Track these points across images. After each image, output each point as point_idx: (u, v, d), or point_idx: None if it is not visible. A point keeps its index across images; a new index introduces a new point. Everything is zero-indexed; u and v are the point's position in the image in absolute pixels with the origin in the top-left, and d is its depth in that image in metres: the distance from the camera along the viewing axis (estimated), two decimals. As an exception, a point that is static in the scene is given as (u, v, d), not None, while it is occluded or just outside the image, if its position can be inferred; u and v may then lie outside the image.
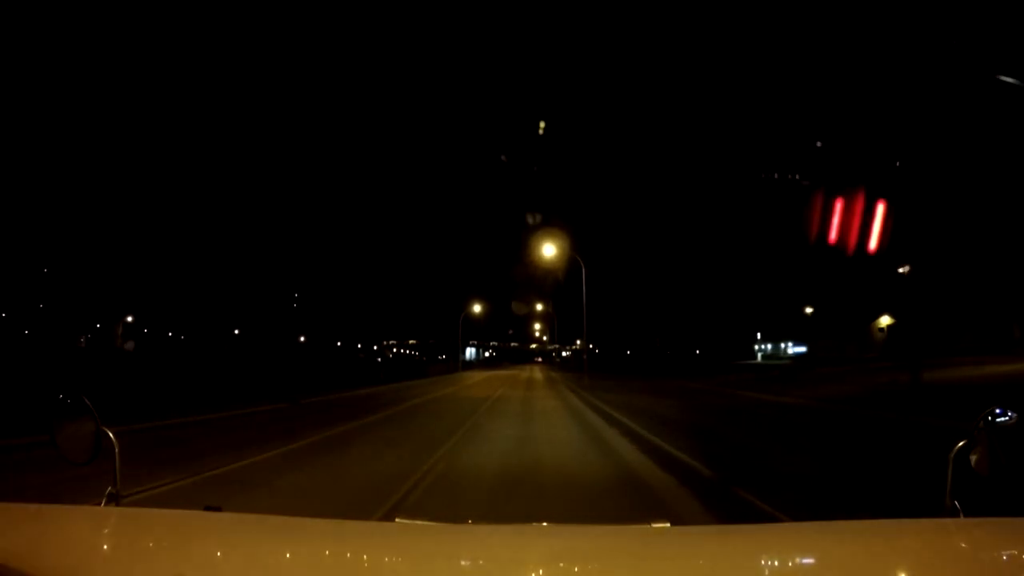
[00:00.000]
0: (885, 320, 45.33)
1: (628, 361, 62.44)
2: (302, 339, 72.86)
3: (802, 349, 50.77)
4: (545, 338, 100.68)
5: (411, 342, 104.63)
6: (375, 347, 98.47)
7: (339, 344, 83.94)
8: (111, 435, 1.50)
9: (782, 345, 66.08)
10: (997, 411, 1.39)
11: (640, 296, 65.56)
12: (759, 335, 69.76)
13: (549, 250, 28.81)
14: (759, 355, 68.40)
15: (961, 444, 1.42)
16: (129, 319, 50.96)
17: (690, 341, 70.33)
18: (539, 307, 57.13)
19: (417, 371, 46.47)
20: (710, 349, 69.61)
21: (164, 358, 37.13)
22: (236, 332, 63.30)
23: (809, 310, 46.81)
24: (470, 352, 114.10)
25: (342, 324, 78.78)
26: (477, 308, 57.81)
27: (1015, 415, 1.37)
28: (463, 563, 1.38)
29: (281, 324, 65.08)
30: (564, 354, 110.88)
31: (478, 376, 43.06)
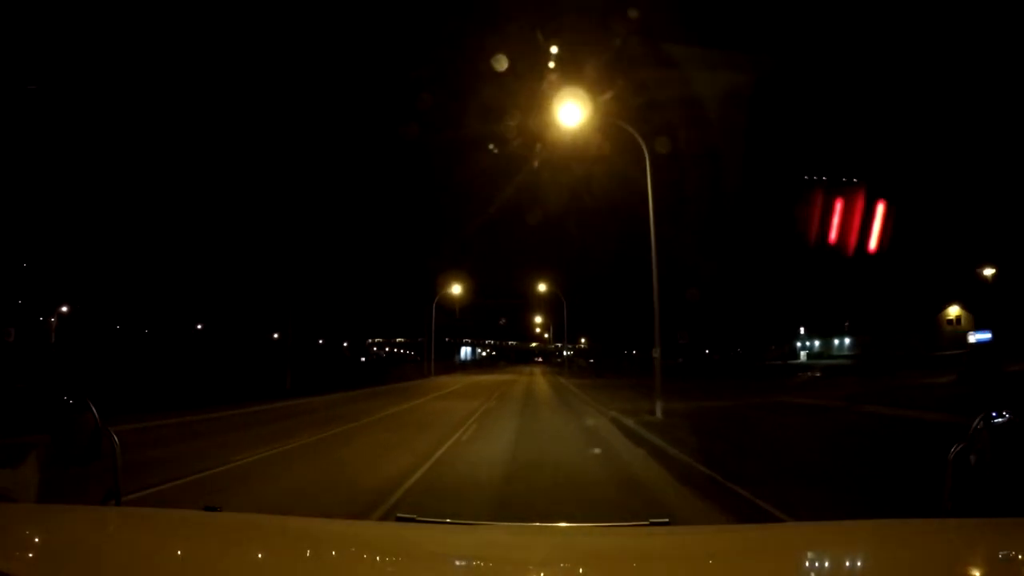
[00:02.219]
0: (954, 311, 41.05)
1: (639, 363, 56.43)
2: (276, 336, 67.89)
3: (986, 336, 35.21)
4: (547, 335, 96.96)
5: (399, 340, 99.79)
6: (367, 345, 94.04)
7: (320, 342, 79.36)
8: (112, 435, 1.58)
9: (835, 341, 58.47)
10: (994, 412, 1.46)
11: (650, 286, 59.91)
12: (802, 329, 62.44)
13: (571, 115, 13.05)
14: (802, 353, 61.40)
15: (960, 445, 1.47)
16: (64, 309, 45.69)
17: (715, 337, 64.77)
18: (542, 287, 50.16)
19: (376, 375, 36.96)
20: (739, 347, 63.95)
21: (100, 355, 31.88)
22: (199, 327, 58.19)
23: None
24: (465, 351, 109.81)
25: (326, 321, 74.44)
26: (457, 290, 49.42)
27: (1012, 415, 1.44)
28: (463, 563, 1.43)
29: (254, 320, 59.97)
30: (566, 353, 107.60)
31: (451, 386, 29.90)
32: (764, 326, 60.00)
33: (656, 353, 14.42)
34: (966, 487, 1.46)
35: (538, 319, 78.00)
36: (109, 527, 1.49)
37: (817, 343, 61.58)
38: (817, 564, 1.40)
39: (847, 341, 55.35)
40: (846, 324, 51.97)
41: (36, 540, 1.32)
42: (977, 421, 1.46)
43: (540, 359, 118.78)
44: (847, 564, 1.41)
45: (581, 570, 1.41)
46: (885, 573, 1.37)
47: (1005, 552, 1.30)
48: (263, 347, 58.68)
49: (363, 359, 76.74)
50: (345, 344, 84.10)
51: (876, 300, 42.04)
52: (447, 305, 55.21)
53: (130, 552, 1.34)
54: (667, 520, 1.63)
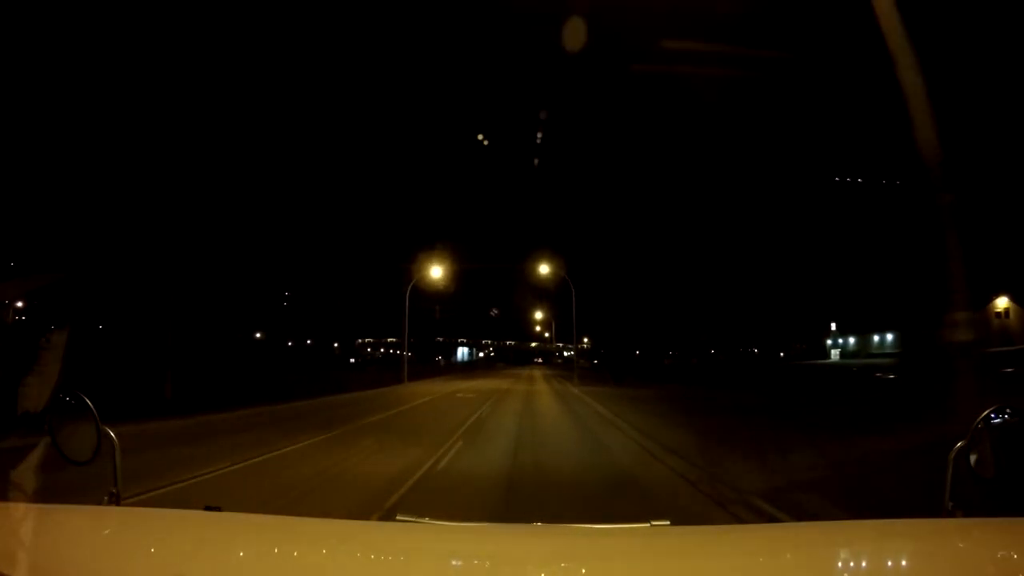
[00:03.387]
0: (1003, 303, 40.02)
1: (651, 364, 54.61)
2: (258, 335, 67.55)
3: None
4: (547, 334, 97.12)
5: (390, 340, 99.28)
6: (357, 346, 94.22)
7: (308, 342, 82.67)
8: (112, 435, 1.65)
9: (875, 338, 54.62)
10: (995, 411, 1.52)
11: (662, 282, 58.11)
12: (833, 326, 59.66)
13: None
14: (835, 352, 58.40)
15: (960, 445, 1.54)
16: (19, 304, 44.43)
17: (736, 337, 63.31)
18: (545, 268, 47.48)
19: (336, 381, 30.02)
20: (753, 346, 62.55)
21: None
22: (172, 326, 57.35)
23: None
24: (462, 352, 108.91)
25: (312, 321, 74.62)
26: (437, 273, 38.56)
27: (1013, 415, 1.50)
28: (463, 563, 1.49)
29: (231, 319, 59.06)
30: (566, 354, 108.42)
31: (414, 400, 22.22)
32: (786, 322, 58.23)
33: (962, 331, 7.45)
34: (966, 487, 1.51)
35: (538, 315, 76.40)
36: (109, 527, 1.55)
37: (852, 340, 58.24)
38: (819, 564, 1.45)
39: (889, 337, 51.93)
40: (892, 317, 47.58)
41: (36, 540, 1.36)
42: (978, 421, 1.51)
43: (540, 360, 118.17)
44: (848, 563, 1.45)
45: (584, 570, 1.46)
46: (886, 572, 1.44)
47: (1005, 552, 1.37)
48: (238, 348, 57.76)
49: (352, 360, 76.22)
50: (336, 345, 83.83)
51: (917, 292, 40.32)
52: (429, 294, 51.95)
53: (130, 552, 1.41)
54: (668, 521, 1.67)
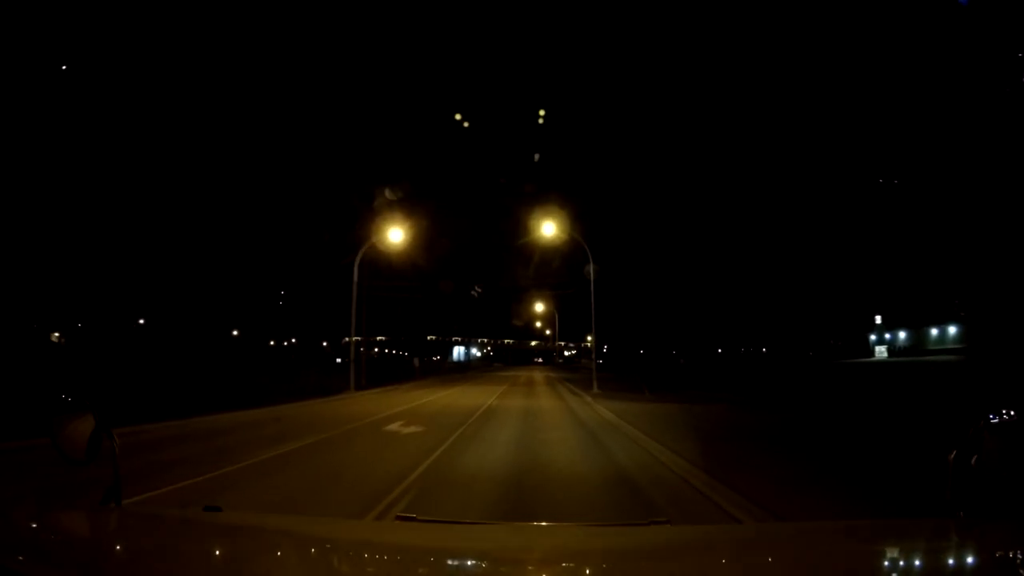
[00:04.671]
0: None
1: (664, 365, 54.08)
2: (235, 333, 68.82)
3: None
4: (548, 332, 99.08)
5: (379, 338, 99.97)
6: (343, 345, 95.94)
7: (294, 341, 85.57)
8: (113, 436, 1.76)
9: (933, 331, 49.41)
10: (992, 412, 1.61)
11: (673, 273, 56.79)
12: (879, 319, 56.55)
13: None
14: (880, 349, 53.73)
15: (961, 445, 1.62)
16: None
17: (754, 332, 62.02)
18: (551, 228, 44.72)
19: (262, 389, 24.13)
20: (783, 344, 61.10)
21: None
22: (141, 322, 58.91)
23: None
24: (457, 351, 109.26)
25: (297, 319, 75.99)
26: (397, 238, 30.76)
27: (1014, 415, 1.60)
28: (463, 562, 1.60)
29: (210, 316, 60.26)
30: (567, 353, 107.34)
31: (294, 442, 10.83)
32: (818, 316, 56.15)
33: None
34: (967, 488, 1.59)
35: (539, 307, 75.75)
36: (109, 528, 1.67)
37: (903, 334, 54.21)
38: (818, 562, 1.52)
39: (951, 331, 47.52)
40: (956, 304, 43.71)
41: (36, 540, 1.47)
42: (978, 421, 1.60)
43: (540, 359, 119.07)
44: (848, 563, 1.52)
45: (588, 571, 1.54)
46: (886, 572, 1.51)
47: (1005, 552, 1.45)
48: (218, 346, 58.27)
49: (339, 360, 76.69)
50: (325, 344, 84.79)
51: (979, 278, 37.24)
52: (416, 292, 50.01)
53: (130, 552, 1.50)
54: (667, 520, 1.83)
